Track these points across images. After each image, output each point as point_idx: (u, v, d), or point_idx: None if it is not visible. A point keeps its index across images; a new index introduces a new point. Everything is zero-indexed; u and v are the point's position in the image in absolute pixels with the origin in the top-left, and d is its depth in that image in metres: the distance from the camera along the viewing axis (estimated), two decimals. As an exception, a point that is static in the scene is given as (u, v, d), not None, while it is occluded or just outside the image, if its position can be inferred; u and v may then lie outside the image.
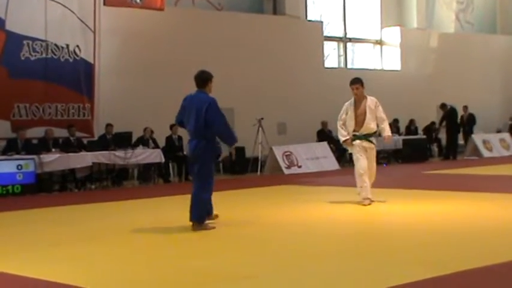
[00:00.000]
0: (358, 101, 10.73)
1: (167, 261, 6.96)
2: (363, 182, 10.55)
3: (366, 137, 10.70)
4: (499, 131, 26.18)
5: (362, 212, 10.12)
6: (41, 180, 15.22)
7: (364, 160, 10.62)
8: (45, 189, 15.28)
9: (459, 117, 23.21)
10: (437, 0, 26.99)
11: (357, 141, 10.65)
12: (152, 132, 17.60)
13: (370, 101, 10.75)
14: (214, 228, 8.73)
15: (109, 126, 17.01)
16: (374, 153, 10.87)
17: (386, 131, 10.74)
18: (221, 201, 10.71)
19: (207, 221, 8.83)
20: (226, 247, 7.73)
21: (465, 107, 23.70)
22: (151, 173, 17.25)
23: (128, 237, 8.58)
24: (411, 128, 23.67)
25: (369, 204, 10.47)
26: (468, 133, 23.66)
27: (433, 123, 24.08)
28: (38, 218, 11.13)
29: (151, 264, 6.86)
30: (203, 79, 9.67)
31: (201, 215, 8.74)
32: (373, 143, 10.81)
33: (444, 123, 22.83)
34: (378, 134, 10.77)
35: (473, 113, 23.83)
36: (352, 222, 9.40)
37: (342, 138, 10.89)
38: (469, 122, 23.72)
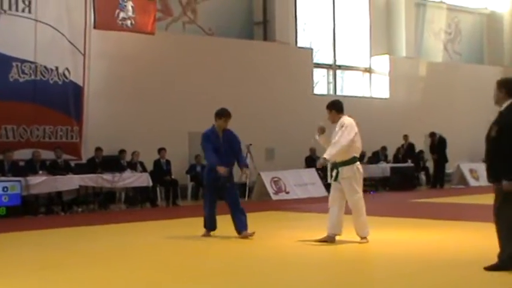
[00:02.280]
0: (333, 126, 9.87)
1: (154, 286, 6.90)
2: (329, 216, 9.69)
3: (335, 166, 9.70)
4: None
5: (346, 241, 10.01)
6: (26, 203, 15.10)
7: (332, 191, 9.74)
8: (31, 211, 15.16)
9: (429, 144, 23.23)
10: (426, 30, 27.24)
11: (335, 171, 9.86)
12: (133, 154, 17.57)
13: (339, 124, 9.58)
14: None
15: (98, 150, 16.98)
16: (347, 184, 9.54)
17: (325, 153, 9.44)
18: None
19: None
20: (214, 272, 7.68)
21: (432, 133, 23.36)
22: (138, 197, 17.18)
23: (114, 261, 8.51)
24: (398, 156, 23.71)
25: (331, 242, 9.50)
26: (442, 159, 23.09)
27: (421, 151, 24.16)
28: (22, 241, 11.02)
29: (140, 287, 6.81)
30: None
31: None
32: (344, 173, 9.53)
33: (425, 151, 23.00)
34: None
35: (444, 137, 23.30)
36: (334, 251, 9.25)
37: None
38: (441, 146, 23.22)
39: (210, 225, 10.55)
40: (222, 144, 10.32)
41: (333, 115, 9.72)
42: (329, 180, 10.18)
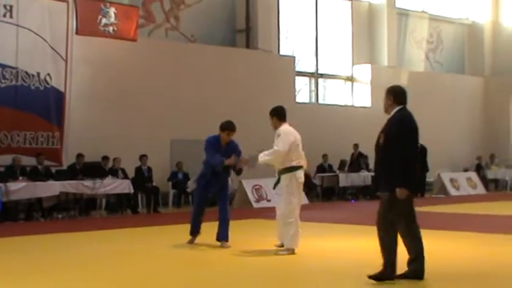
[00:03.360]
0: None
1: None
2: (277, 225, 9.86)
3: (278, 174, 9.63)
4: (466, 170, 26.46)
5: (326, 248, 10.04)
6: (6, 209, 15.00)
7: (277, 199, 9.84)
8: (10, 217, 15.07)
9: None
10: (408, 40, 27.41)
11: None
12: (115, 160, 17.52)
13: (276, 133, 9.55)
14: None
15: (80, 156, 16.92)
16: (284, 192, 9.45)
17: (260, 155, 9.53)
18: (187, 234, 10.65)
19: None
20: (196, 280, 7.68)
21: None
22: (119, 204, 17.12)
23: (94, 268, 8.48)
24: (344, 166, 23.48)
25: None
26: (423, 168, 22.86)
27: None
28: (1, 248, 10.93)
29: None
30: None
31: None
32: (282, 181, 9.50)
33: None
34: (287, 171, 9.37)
35: (425, 146, 23.28)
36: (311, 259, 9.24)
37: None
38: (422, 155, 23.00)
39: (195, 229, 10.58)
40: (224, 154, 10.29)
41: (274, 122, 9.71)
42: (272, 188, 10.11)
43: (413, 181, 7.13)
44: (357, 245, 10.36)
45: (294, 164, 9.45)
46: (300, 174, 9.54)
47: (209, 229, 10.49)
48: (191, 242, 10.58)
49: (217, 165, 10.12)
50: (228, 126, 10.48)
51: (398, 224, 7.14)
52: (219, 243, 10.25)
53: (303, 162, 9.53)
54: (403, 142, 7.02)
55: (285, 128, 9.57)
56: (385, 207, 7.16)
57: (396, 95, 7.32)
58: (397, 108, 7.26)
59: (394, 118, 7.20)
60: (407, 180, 7.00)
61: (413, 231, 7.21)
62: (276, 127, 9.63)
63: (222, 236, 10.28)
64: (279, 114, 9.71)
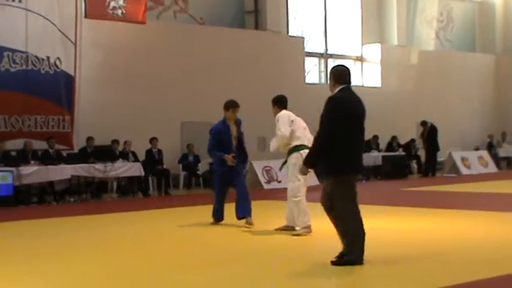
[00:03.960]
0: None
1: (146, 275, 6.93)
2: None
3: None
4: (477, 149, 26.38)
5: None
6: (18, 193, 15.09)
7: None
8: (23, 201, 15.15)
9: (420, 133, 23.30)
10: (418, 18, 27.22)
11: None
12: (125, 143, 17.57)
13: (276, 120, 9.87)
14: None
15: (90, 139, 16.98)
16: (290, 170, 9.72)
17: (270, 147, 9.99)
18: (197, 216, 10.70)
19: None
20: (207, 261, 7.71)
21: (424, 122, 23.35)
22: (130, 187, 17.18)
23: (106, 251, 8.53)
24: (393, 145, 23.71)
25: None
26: (433, 148, 23.04)
27: (412, 140, 24.21)
28: (15, 231, 11.03)
29: (130, 277, 6.82)
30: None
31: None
32: (289, 160, 9.77)
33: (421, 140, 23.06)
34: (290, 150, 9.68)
35: (436, 125, 23.28)
36: (325, 238, 9.29)
37: None
38: (432, 134, 23.18)
39: (219, 216, 10.68)
40: (235, 136, 10.56)
41: (275, 110, 9.93)
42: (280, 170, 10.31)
43: (312, 161, 7.15)
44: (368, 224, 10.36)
45: (299, 142, 9.57)
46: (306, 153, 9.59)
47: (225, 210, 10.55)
48: (214, 223, 10.67)
49: (217, 158, 10.50)
50: (231, 104, 10.70)
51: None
52: (235, 223, 10.26)
53: (307, 142, 9.52)
54: (323, 122, 6.98)
55: (282, 112, 9.76)
56: (330, 191, 7.10)
57: (336, 74, 7.25)
58: (339, 88, 7.19)
59: (328, 99, 7.14)
60: (307, 157, 7.24)
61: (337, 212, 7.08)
62: (275, 115, 9.83)
63: (247, 212, 10.31)
64: (279, 103, 9.93)
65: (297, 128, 9.62)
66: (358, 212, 7.07)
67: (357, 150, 7.11)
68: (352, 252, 6.90)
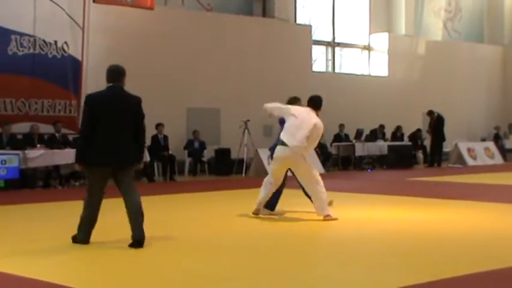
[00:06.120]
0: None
1: (150, 262, 6.96)
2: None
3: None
4: (483, 140, 26.34)
5: (342, 218, 10.00)
6: (24, 176, 15.14)
7: None
8: (28, 185, 15.20)
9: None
10: (426, 8, 27.12)
11: None
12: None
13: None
14: None
15: (95, 123, 16.99)
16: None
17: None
18: (203, 202, 10.70)
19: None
20: (211, 251, 7.74)
21: (430, 112, 23.25)
22: (136, 172, 17.19)
23: (108, 235, 8.56)
24: (397, 135, 23.71)
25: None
26: (439, 138, 22.97)
27: (418, 130, 24.17)
28: (20, 214, 11.07)
29: (134, 263, 6.85)
30: None
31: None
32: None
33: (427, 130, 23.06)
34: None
35: (443, 116, 23.23)
36: (332, 228, 9.34)
37: None
38: (439, 124, 23.11)
39: (271, 206, 10.42)
40: None
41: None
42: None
43: (81, 153, 7.99)
44: (373, 214, 10.40)
45: (282, 137, 9.69)
46: (278, 148, 9.77)
47: (230, 197, 10.55)
48: (256, 213, 10.25)
49: None
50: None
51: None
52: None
53: (287, 139, 9.60)
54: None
55: (297, 106, 10.08)
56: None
57: (107, 73, 8.23)
58: (107, 86, 8.16)
59: None
60: (76, 154, 8.04)
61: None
62: None
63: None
64: (308, 102, 10.16)
65: (291, 123, 9.66)
66: (94, 200, 8.12)
67: (109, 142, 7.92)
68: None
